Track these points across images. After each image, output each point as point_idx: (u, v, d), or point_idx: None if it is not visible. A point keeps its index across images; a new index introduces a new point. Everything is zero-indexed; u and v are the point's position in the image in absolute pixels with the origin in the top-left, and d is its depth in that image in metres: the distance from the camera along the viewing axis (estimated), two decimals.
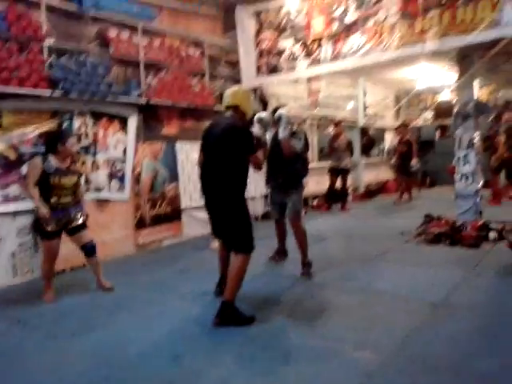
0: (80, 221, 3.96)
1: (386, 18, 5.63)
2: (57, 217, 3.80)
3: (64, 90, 4.77)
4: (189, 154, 6.37)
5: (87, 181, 5.10)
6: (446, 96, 11.24)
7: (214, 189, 3.28)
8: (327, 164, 8.71)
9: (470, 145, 5.72)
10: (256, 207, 7.79)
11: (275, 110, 4.48)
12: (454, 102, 11.37)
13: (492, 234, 5.25)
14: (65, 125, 4.98)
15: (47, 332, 3.27)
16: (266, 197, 7.92)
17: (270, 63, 6.79)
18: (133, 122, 5.64)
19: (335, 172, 8.50)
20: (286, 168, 4.33)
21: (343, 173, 8.48)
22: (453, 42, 5.19)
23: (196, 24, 7.01)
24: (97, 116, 5.28)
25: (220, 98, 6.96)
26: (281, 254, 4.94)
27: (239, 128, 3.26)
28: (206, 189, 3.38)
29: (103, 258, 5.10)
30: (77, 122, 5.09)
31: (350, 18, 5.96)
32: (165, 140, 6.11)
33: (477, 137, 5.74)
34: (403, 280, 4.07)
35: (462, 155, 5.76)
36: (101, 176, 5.29)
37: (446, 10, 5.14)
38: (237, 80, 7.24)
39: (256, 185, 7.68)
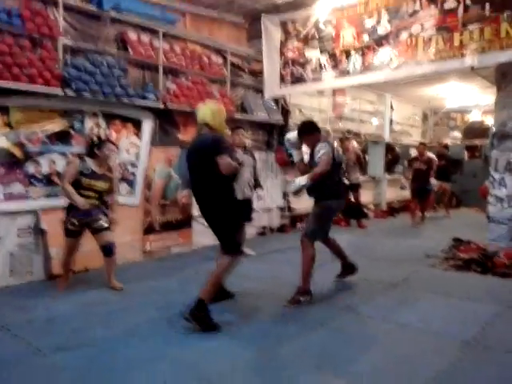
0: (105, 224, 4.11)
1: (421, 31, 5.31)
2: (79, 217, 3.97)
3: (77, 90, 4.60)
4: None
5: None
6: (477, 116, 10.80)
7: (200, 195, 3.46)
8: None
9: (508, 168, 5.28)
10: (272, 219, 7.48)
11: (302, 128, 4.14)
12: (485, 122, 11.15)
13: None
14: (76, 125, 4.81)
15: (30, 343, 2.99)
16: (282, 209, 7.64)
17: (295, 73, 6.52)
18: (147, 126, 5.44)
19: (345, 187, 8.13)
20: (316, 184, 3.92)
21: (354, 188, 8.06)
22: (495, 57, 4.80)
23: (220, 31, 6.84)
24: (110, 118, 5.09)
25: (241, 105, 6.80)
26: (346, 268, 4.47)
27: (209, 136, 3.39)
28: (195, 196, 3.55)
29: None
30: (89, 123, 4.92)
31: (382, 30, 5.66)
32: (180, 146, 5.86)
33: None
34: (430, 311, 3.66)
35: (497, 177, 5.33)
36: None
37: (488, 25, 4.78)
38: (259, 89, 7.02)
39: (272, 196, 7.40)
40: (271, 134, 7.35)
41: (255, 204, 5.94)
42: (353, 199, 8.09)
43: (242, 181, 5.37)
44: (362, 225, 8.03)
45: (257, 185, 5.58)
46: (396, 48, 5.49)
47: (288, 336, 3.13)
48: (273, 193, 7.38)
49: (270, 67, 6.75)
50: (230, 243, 3.39)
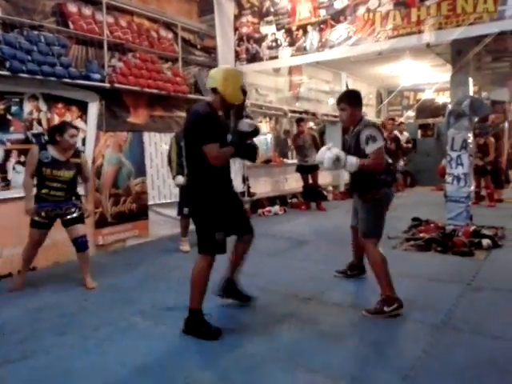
0: (75, 214, 3.84)
1: (378, 6, 5.19)
2: (46, 209, 3.73)
3: (12, 69, 4.15)
4: (158, 146, 5.78)
5: None
6: (429, 94, 10.98)
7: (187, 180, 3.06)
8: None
9: (464, 146, 5.32)
10: None
11: (355, 96, 3.50)
12: (436, 100, 11.36)
13: (485, 241, 4.87)
14: (14, 109, 4.34)
15: None
16: (242, 194, 7.42)
17: (250, 50, 6.25)
18: (93, 109, 5.01)
19: (303, 170, 7.98)
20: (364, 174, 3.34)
21: (312, 170, 7.87)
22: (451, 33, 4.79)
23: (169, 4, 6.41)
24: (52, 100, 4.65)
25: (195, 85, 6.44)
26: (354, 268, 4.06)
27: (193, 112, 2.96)
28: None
29: (56, 259, 4.56)
30: (28, 107, 4.47)
31: (339, 4, 5.49)
32: (131, 129, 5.47)
33: (471, 137, 5.36)
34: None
35: (454, 156, 5.37)
36: None
37: (444, 0, 4.72)
38: (213, 67, 6.66)
39: (232, 180, 7.17)
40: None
41: None
42: (311, 181, 8.01)
43: None
44: (322, 207, 7.94)
45: None
46: (353, 24, 5.38)
47: (254, 332, 2.96)
48: (232, 177, 7.13)
49: (224, 44, 6.46)
50: (205, 239, 2.91)
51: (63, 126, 3.80)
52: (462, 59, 5.49)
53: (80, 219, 3.87)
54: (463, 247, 4.78)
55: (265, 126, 9.35)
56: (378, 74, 10.05)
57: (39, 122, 4.55)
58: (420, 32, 4.85)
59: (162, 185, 5.74)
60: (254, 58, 6.24)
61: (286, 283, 3.96)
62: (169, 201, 5.84)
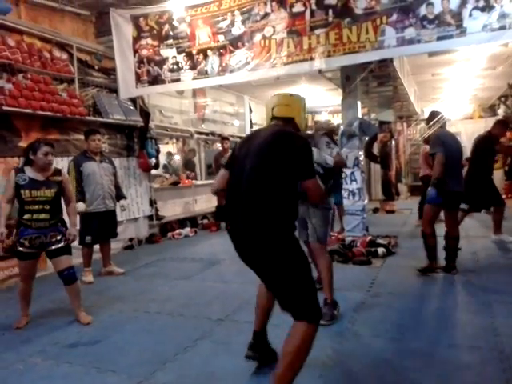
0: (60, 244, 3.56)
1: (273, 34, 5.49)
2: (29, 236, 3.44)
3: None
4: None
5: None
6: (325, 116, 11.79)
7: (249, 225, 2.30)
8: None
9: (356, 163, 5.80)
10: (139, 230, 7.05)
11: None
12: (331, 121, 12.22)
13: (381, 250, 5.31)
14: None
15: None
16: (150, 217, 7.25)
17: (152, 72, 6.21)
18: None
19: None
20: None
21: None
22: (339, 61, 5.22)
23: (63, 24, 6.15)
24: None
25: (94, 107, 6.20)
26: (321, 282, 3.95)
27: (296, 137, 2.35)
28: (235, 227, 2.44)
29: None
30: None
31: (237, 30, 5.71)
32: (23, 155, 5.06)
33: (362, 155, 5.86)
34: None
35: (348, 173, 5.81)
36: None
37: (332, 30, 5.14)
38: (113, 89, 6.51)
39: (138, 205, 6.97)
40: (131, 137, 6.90)
41: (119, 216, 5.52)
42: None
43: (104, 191, 4.92)
44: None
45: (119, 195, 5.16)
46: (251, 50, 5.60)
47: (165, 361, 2.87)
48: (138, 201, 6.95)
49: (124, 65, 6.33)
50: (309, 301, 2.24)
51: (35, 144, 3.57)
52: (350, 84, 6.01)
53: (66, 250, 3.61)
54: (361, 257, 5.16)
55: (172, 148, 9.29)
56: None
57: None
58: (312, 59, 5.20)
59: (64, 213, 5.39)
60: (155, 80, 6.20)
61: (198, 306, 3.93)
62: None
